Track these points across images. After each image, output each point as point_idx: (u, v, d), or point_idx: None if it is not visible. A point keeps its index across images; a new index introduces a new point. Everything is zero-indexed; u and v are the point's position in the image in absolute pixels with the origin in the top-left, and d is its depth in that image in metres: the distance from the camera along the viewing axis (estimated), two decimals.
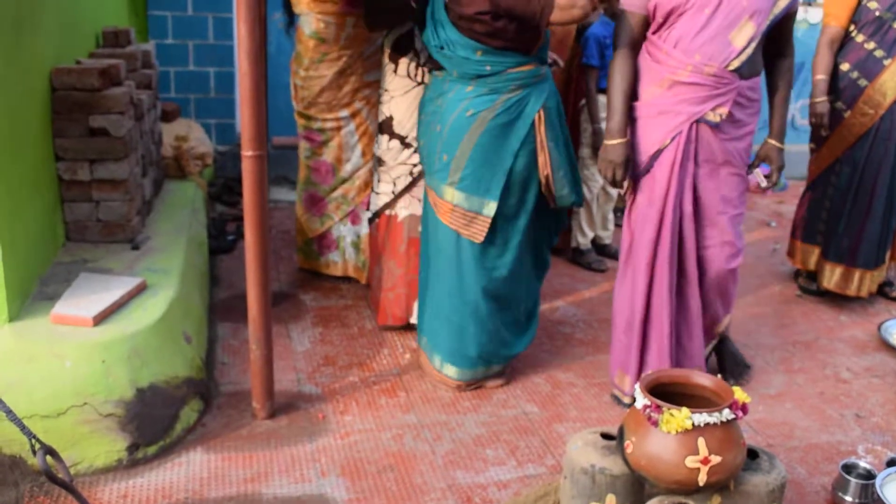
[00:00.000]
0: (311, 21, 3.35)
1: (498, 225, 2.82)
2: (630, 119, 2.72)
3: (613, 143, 2.68)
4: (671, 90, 2.63)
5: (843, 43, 3.77)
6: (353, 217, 3.67)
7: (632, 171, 2.75)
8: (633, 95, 2.70)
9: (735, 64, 2.59)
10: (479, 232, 2.79)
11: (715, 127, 2.65)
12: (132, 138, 3.13)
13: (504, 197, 2.78)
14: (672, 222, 2.69)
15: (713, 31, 2.56)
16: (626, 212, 2.82)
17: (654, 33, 2.67)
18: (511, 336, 3.01)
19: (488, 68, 2.71)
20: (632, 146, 2.72)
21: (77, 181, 3.01)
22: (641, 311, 2.78)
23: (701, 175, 2.71)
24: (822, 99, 3.75)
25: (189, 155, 4.10)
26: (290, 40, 5.25)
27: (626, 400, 2.91)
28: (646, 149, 2.71)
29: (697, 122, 2.64)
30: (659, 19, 2.61)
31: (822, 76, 3.76)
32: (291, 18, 3.49)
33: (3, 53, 2.41)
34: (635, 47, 2.69)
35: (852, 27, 3.73)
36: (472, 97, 2.74)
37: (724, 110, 2.64)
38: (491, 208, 2.77)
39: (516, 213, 2.84)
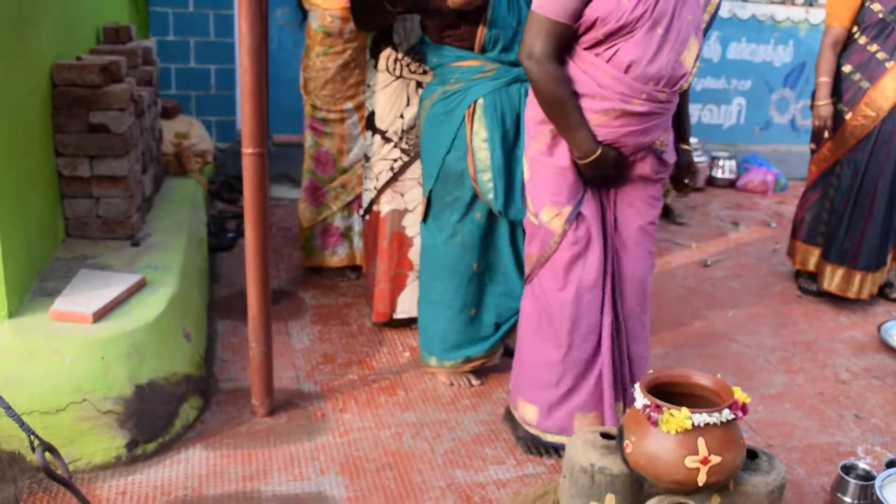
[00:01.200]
0: (318, 15, 3.44)
1: (436, 211, 2.88)
2: (556, 144, 2.36)
3: (596, 157, 2.28)
4: (618, 120, 2.27)
5: (846, 45, 3.77)
6: (360, 207, 3.70)
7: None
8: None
9: (685, 86, 2.31)
10: (422, 210, 2.94)
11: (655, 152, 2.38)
12: (132, 135, 3.13)
13: (441, 184, 2.83)
14: (609, 255, 2.46)
15: (667, 54, 2.22)
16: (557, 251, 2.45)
17: (588, 49, 2.26)
18: (454, 334, 2.95)
19: (435, 60, 2.85)
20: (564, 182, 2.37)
21: (77, 177, 3.00)
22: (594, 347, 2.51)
23: (627, 190, 2.44)
24: (825, 102, 3.74)
25: (189, 152, 4.10)
26: (291, 37, 5.28)
27: (532, 430, 2.60)
28: (577, 190, 2.38)
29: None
30: (598, 36, 2.21)
31: (825, 78, 3.75)
32: (305, 14, 3.54)
33: (4, 49, 2.40)
34: (560, 59, 2.28)
35: (855, 29, 3.73)
36: (427, 86, 2.92)
37: (665, 136, 2.36)
38: (425, 189, 2.90)
39: (451, 204, 2.85)
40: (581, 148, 2.28)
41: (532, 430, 2.60)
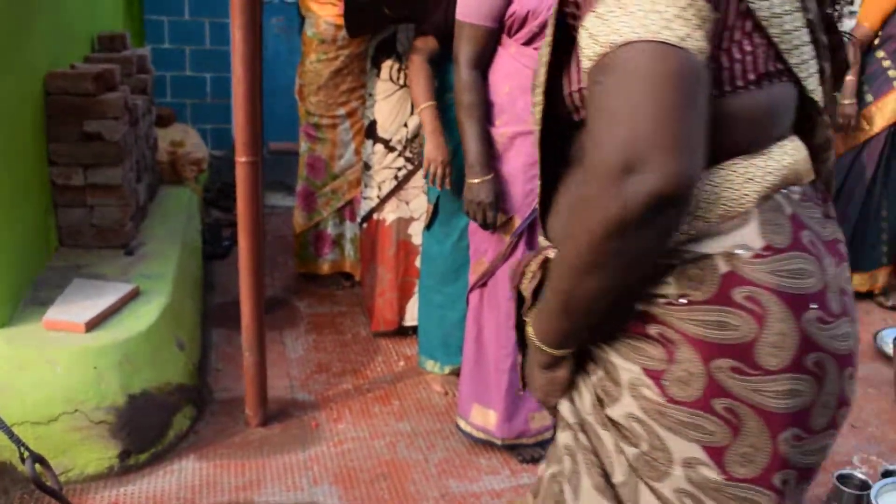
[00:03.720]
0: (313, 22, 3.44)
1: (443, 217, 2.86)
2: (506, 149, 2.36)
3: (482, 181, 2.31)
4: None
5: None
6: (352, 214, 3.69)
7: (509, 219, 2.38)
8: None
9: None
10: (427, 218, 2.90)
11: None
12: (127, 143, 3.12)
13: (447, 189, 2.80)
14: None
15: None
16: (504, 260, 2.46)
17: (526, 44, 2.28)
18: (457, 339, 2.90)
19: (437, 66, 2.82)
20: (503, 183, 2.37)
21: (71, 186, 2.99)
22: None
23: None
24: (851, 101, 3.68)
25: (184, 160, 4.09)
26: (286, 45, 5.29)
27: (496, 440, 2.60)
28: (525, 200, 2.36)
29: None
30: (533, 29, 2.25)
31: (851, 77, 3.69)
32: (303, 20, 3.55)
33: None
34: (483, 66, 2.33)
35: (877, 39, 3.69)
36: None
37: None
38: (431, 196, 2.86)
39: (459, 209, 2.79)
40: (471, 163, 2.32)
41: (489, 437, 2.60)
